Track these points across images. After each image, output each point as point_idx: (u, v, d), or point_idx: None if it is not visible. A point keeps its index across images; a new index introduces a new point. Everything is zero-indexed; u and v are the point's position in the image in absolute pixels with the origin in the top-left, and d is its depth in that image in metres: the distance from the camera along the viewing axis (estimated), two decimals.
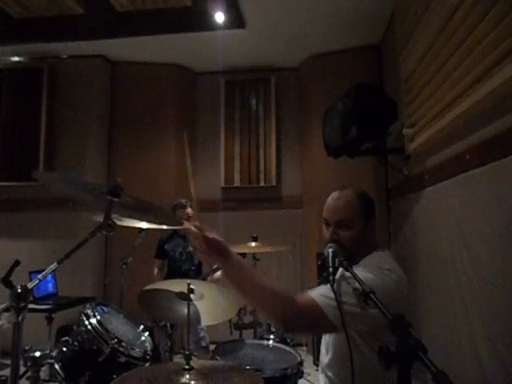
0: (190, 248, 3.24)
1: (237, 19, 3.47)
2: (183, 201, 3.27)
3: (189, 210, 3.24)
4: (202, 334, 3.04)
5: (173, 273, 3.25)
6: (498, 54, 1.51)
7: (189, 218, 3.14)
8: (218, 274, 3.08)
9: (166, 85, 4.38)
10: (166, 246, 3.31)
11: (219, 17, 3.39)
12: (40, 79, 4.04)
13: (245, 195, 4.39)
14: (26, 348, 1.58)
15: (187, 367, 1.29)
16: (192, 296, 1.58)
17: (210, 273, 3.04)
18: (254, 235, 2.50)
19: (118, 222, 1.88)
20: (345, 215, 1.32)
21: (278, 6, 3.30)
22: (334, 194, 1.39)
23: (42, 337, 2.88)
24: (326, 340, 1.41)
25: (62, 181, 1.39)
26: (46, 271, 1.06)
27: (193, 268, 3.24)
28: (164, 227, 2.66)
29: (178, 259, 3.26)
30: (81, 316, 1.76)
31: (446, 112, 2.01)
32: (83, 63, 4.18)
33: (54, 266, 1.07)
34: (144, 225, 1.72)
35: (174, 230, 3.34)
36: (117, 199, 1.22)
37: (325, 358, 1.40)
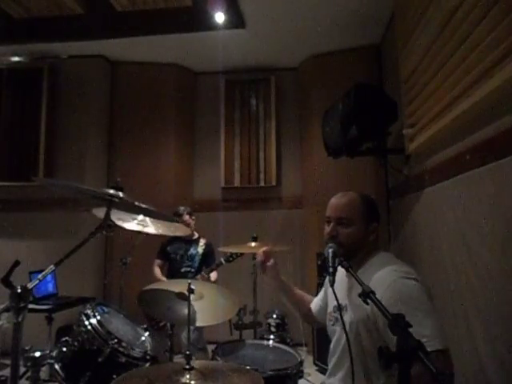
0: (192, 251, 3.31)
1: (237, 19, 3.47)
2: (181, 208, 3.35)
3: (186, 218, 3.30)
4: (196, 336, 3.02)
5: (172, 274, 3.31)
6: (497, 54, 1.51)
7: (187, 225, 3.18)
8: (213, 274, 3.12)
9: (165, 85, 4.38)
10: (169, 248, 3.39)
11: (219, 17, 3.39)
12: (40, 79, 4.03)
13: (245, 195, 4.39)
14: (26, 348, 1.59)
15: (187, 367, 1.29)
16: (192, 296, 1.58)
17: (205, 273, 3.08)
18: (254, 235, 2.49)
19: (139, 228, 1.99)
20: (346, 213, 1.37)
21: (277, 6, 3.30)
22: (338, 194, 1.44)
23: (42, 337, 2.88)
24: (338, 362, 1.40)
25: (61, 187, 1.40)
26: (46, 271, 1.06)
27: (192, 271, 3.27)
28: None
29: (179, 261, 3.32)
30: (81, 316, 1.76)
31: (446, 112, 2.01)
32: (83, 63, 4.17)
33: (53, 266, 1.07)
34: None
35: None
36: (116, 199, 1.22)
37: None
